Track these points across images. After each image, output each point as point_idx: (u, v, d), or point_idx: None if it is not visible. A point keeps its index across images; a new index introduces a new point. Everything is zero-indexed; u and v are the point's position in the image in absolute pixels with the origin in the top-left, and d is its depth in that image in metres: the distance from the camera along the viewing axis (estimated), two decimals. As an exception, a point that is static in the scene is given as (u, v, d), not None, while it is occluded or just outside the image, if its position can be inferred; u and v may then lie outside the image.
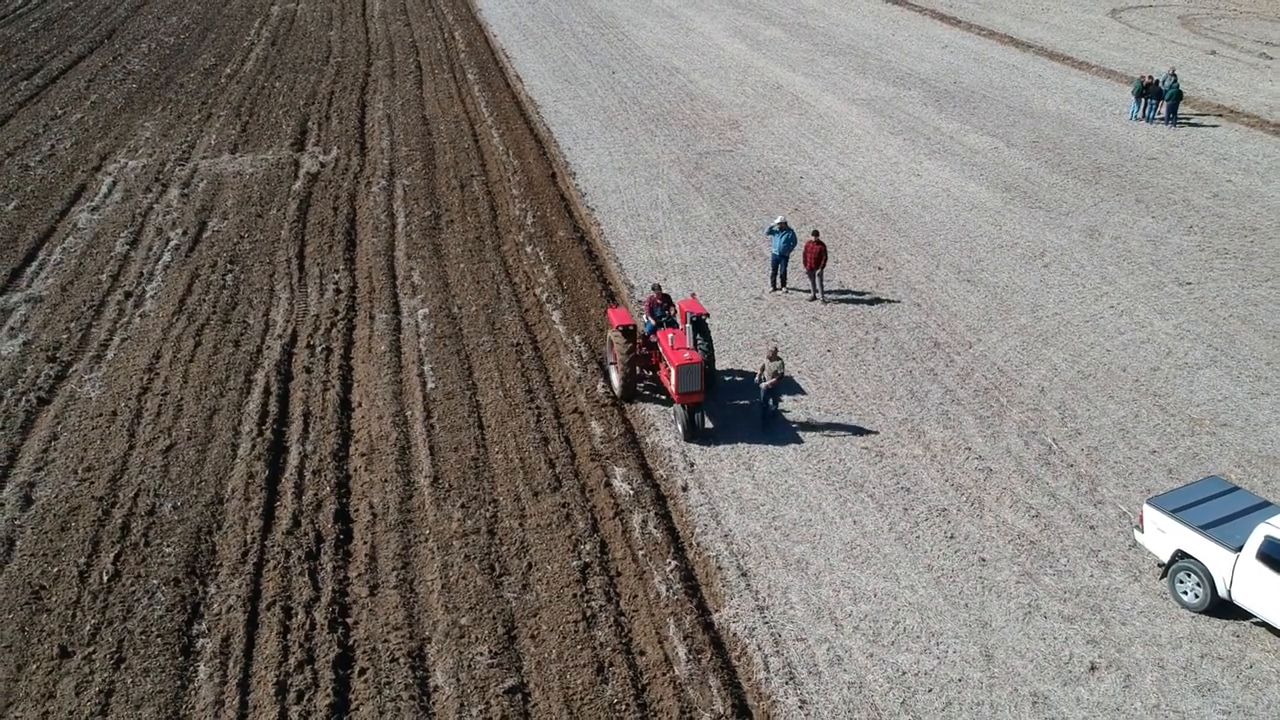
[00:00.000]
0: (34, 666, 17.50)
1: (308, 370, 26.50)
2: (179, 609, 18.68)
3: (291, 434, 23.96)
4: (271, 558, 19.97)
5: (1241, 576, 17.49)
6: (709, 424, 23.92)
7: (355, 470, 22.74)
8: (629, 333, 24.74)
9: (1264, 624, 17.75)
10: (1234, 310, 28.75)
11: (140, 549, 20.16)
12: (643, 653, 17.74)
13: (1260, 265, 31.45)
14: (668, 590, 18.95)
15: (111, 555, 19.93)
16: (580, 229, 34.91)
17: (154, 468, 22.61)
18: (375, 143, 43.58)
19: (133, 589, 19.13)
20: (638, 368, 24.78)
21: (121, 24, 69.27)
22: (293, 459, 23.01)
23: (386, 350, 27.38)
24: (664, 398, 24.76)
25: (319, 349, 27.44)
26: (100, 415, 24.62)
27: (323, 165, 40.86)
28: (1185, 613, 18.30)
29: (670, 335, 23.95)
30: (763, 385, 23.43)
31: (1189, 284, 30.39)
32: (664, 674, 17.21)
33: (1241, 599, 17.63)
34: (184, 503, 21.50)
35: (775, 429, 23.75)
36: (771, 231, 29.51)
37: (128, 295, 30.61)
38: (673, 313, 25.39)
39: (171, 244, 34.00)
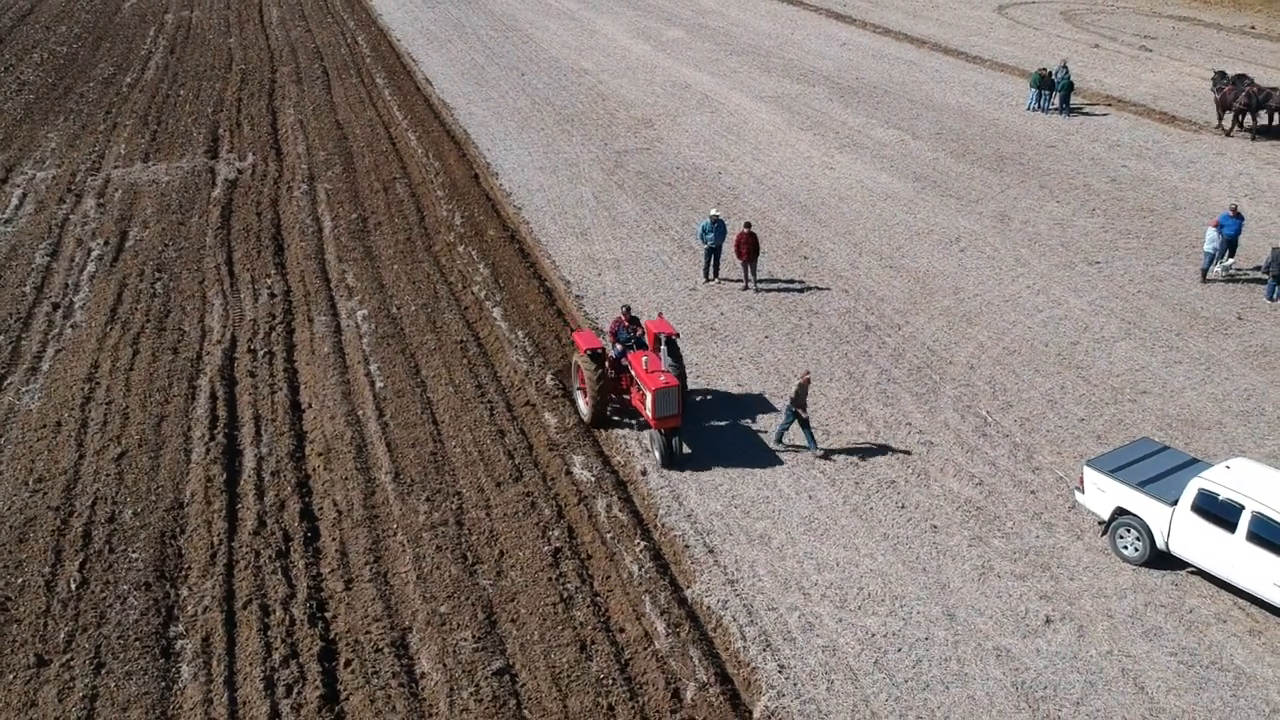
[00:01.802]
0: (10, 676, 17.35)
1: (252, 374, 26.44)
2: (153, 612, 18.66)
3: (244, 437, 23.93)
4: (241, 558, 20.02)
5: (1178, 529, 18.73)
6: (686, 449, 23.01)
7: (314, 470, 22.84)
8: (597, 357, 23.70)
9: (1199, 572, 19.02)
10: (1141, 286, 30.39)
11: (105, 556, 20.03)
12: (622, 630, 18.29)
13: (1161, 244, 33.24)
14: (639, 569, 19.53)
15: (77, 563, 19.78)
16: (509, 228, 35.27)
17: (108, 475, 22.43)
18: (291, 148, 43.28)
19: (103, 595, 19.03)
20: (608, 393, 23.80)
21: (8, 33, 67.28)
22: (249, 461, 23.01)
23: (330, 352, 27.43)
24: (635, 422, 24.05)
25: (261, 353, 27.37)
26: (44, 426, 24.26)
27: (240, 172, 40.47)
28: (1127, 566, 19.49)
29: (644, 358, 23.07)
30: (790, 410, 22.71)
31: (1097, 263, 32.00)
32: (645, 648, 17.78)
33: (1178, 550, 18.88)
34: (144, 509, 21.39)
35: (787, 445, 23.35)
36: (705, 231, 30.24)
37: (55, 306, 30.08)
38: (640, 334, 24.55)
39: (94, 254, 33.44)
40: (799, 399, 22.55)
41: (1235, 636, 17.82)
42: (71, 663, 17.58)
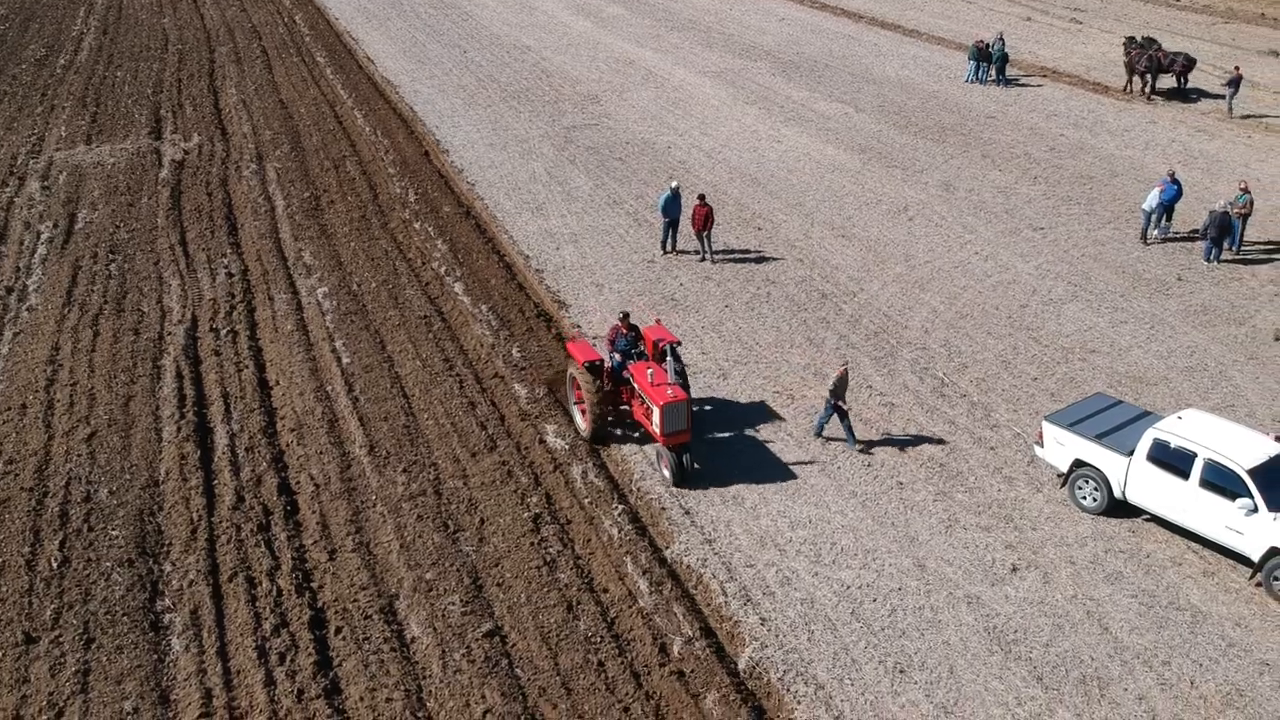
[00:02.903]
0: (0, 654, 17.38)
1: (217, 353, 26.43)
2: (138, 588, 18.77)
3: (214, 415, 23.98)
4: (222, 533, 20.17)
5: (1134, 478, 19.60)
6: (696, 465, 21.65)
7: (288, 445, 22.98)
8: (596, 369, 22.53)
9: (1154, 518, 19.93)
10: (1085, 250, 31.38)
11: (84, 534, 20.07)
12: (606, 590, 18.75)
13: (1101, 209, 34.28)
14: (619, 532, 20.00)
15: (56, 542, 19.80)
16: (464, 204, 35.41)
17: (79, 456, 22.39)
18: (236, 128, 42.90)
19: (86, 573, 19.09)
20: (607, 407, 22.64)
21: (-71, 15, 65.65)
22: (221, 439, 23.08)
23: (293, 329, 27.49)
24: (637, 435, 22.86)
25: (224, 332, 27.36)
26: (9, 409, 24.11)
27: (186, 153, 40.09)
28: (1086, 515, 20.35)
29: (649, 370, 21.69)
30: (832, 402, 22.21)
31: (1041, 229, 32.94)
32: (630, 607, 18.27)
33: (1135, 498, 19.76)
34: (119, 487, 21.42)
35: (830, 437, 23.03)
36: (667, 203, 30.65)
37: (9, 290, 29.74)
38: (640, 342, 23.18)
39: (44, 237, 33.05)
40: (837, 391, 21.98)
41: (1190, 578, 18.73)
42: (60, 639, 17.66)
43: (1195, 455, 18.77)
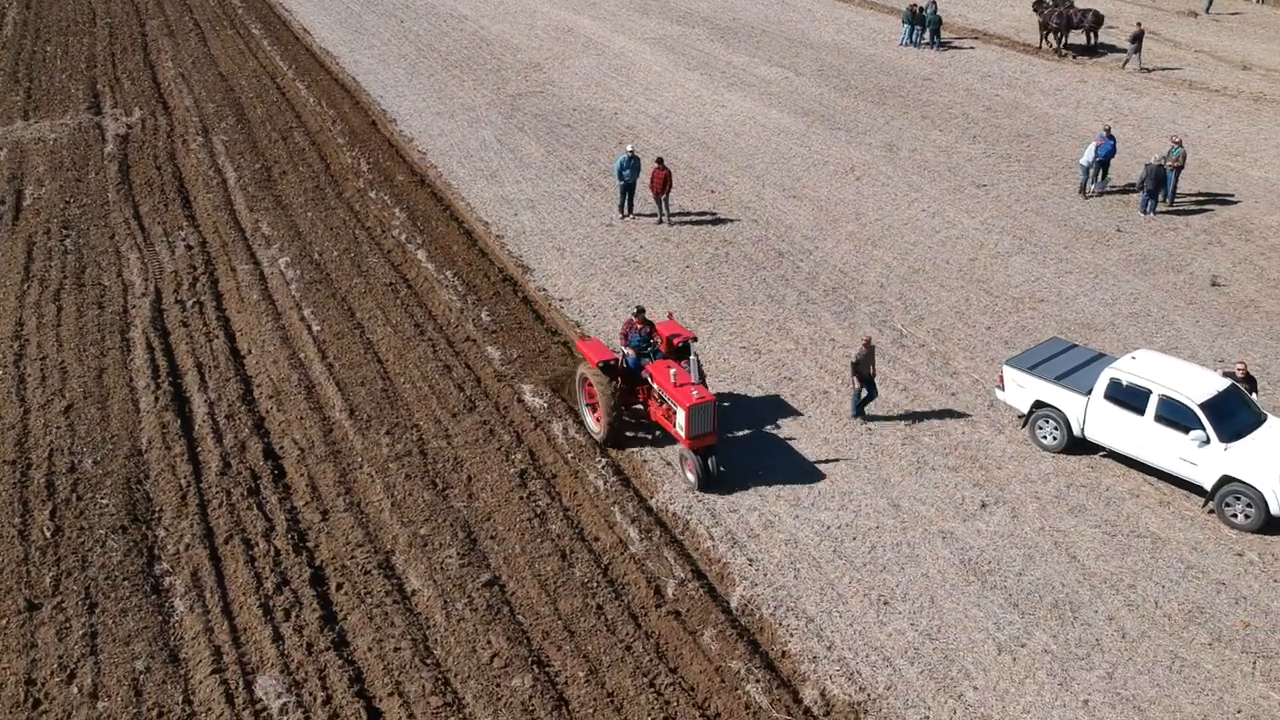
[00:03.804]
0: (4, 622, 17.56)
1: (185, 324, 26.49)
2: (135, 553, 19.00)
3: (189, 385, 24.11)
4: (213, 498, 20.43)
5: (1093, 416, 20.69)
6: (721, 467, 20.73)
7: (268, 412, 23.22)
8: (610, 369, 21.57)
9: (1111, 454, 21.05)
10: (1027, 205, 32.54)
11: (74, 504, 20.20)
12: (597, 539, 19.39)
13: (1040, 165, 35.49)
14: (604, 484, 20.63)
15: (47, 512, 19.92)
16: (418, 173, 35.59)
17: (59, 428, 22.44)
18: (178, 102, 42.45)
19: (81, 540, 19.27)
20: (623, 407, 21.73)
21: None
22: (200, 407, 23.25)
23: (259, 299, 27.61)
24: (653, 436, 22.07)
25: (189, 304, 27.39)
26: (-20, 385, 24.03)
27: (130, 127, 39.63)
28: (1046, 454, 21.41)
29: (672, 370, 20.69)
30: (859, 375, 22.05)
31: (984, 186, 34.05)
32: (622, 553, 18.94)
33: (1093, 435, 20.86)
34: (103, 457, 21.55)
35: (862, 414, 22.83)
36: (623, 166, 31.15)
37: (-37, 267, 29.45)
38: (657, 340, 22.10)
39: (-7, 214, 32.67)
40: (860, 367, 21.83)
41: (1148, 508, 19.88)
42: (63, 605, 17.88)
43: (1150, 392, 19.87)
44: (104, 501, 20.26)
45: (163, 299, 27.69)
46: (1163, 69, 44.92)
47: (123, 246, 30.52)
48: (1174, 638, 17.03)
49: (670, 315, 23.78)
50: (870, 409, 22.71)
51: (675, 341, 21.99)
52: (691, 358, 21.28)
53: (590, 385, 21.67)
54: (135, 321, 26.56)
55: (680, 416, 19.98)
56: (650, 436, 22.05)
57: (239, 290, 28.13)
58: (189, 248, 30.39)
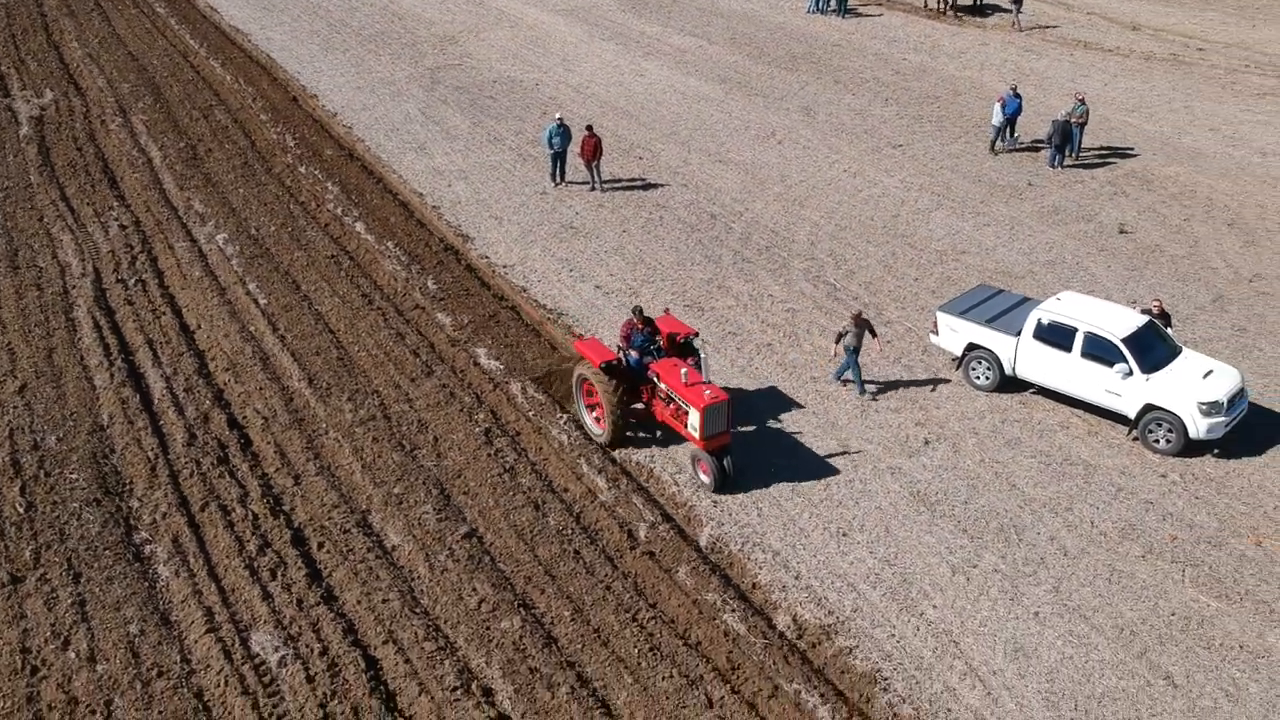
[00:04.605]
0: (-12, 596, 17.79)
1: (130, 302, 26.51)
2: (112, 524, 19.28)
3: (142, 361, 24.23)
4: (183, 468, 20.74)
5: (1023, 355, 22.10)
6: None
7: (226, 384, 23.50)
8: (613, 370, 20.82)
9: (1040, 390, 22.51)
10: (942, 164, 34.01)
11: (43, 480, 20.35)
12: (566, 489, 20.21)
13: (951, 125, 37.02)
14: (568, 439, 21.44)
15: (17, 489, 20.05)
16: (345, 147, 35.75)
17: (16, 408, 22.46)
18: (90, 82, 41.75)
19: (56, 514, 19.47)
20: (626, 408, 21.20)
21: None
22: (156, 382, 23.43)
23: (201, 275, 27.71)
24: (655, 435, 21.66)
25: (131, 282, 27.38)
26: (-74, 369, 23.86)
27: (43, 109, 38.94)
28: (980, 393, 22.79)
29: (683, 370, 20.16)
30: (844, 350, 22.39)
31: (900, 146, 35.44)
32: (593, 502, 19.80)
33: (1024, 373, 22.28)
34: (66, 433, 21.67)
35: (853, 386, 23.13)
36: (552, 135, 31.76)
37: (-111, 253, 28.94)
38: (659, 339, 21.52)
39: (-88, 199, 32.03)
40: (850, 336, 22.13)
41: (1078, 438, 21.37)
42: (47, 576, 18.12)
43: (1076, 330, 21.32)
44: (73, 476, 20.44)
45: (103, 278, 27.62)
46: (1049, 27, 46.85)
47: (54, 228, 30.25)
48: (1110, 552, 18.49)
49: (667, 310, 23.44)
50: (815, 360, 23.86)
51: (677, 339, 21.60)
52: (702, 356, 21.21)
53: (590, 386, 21.31)
54: (78, 302, 26.50)
55: (694, 417, 19.55)
56: (650, 436, 21.67)
57: (180, 267, 28.17)
58: (123, 227, 30.25)
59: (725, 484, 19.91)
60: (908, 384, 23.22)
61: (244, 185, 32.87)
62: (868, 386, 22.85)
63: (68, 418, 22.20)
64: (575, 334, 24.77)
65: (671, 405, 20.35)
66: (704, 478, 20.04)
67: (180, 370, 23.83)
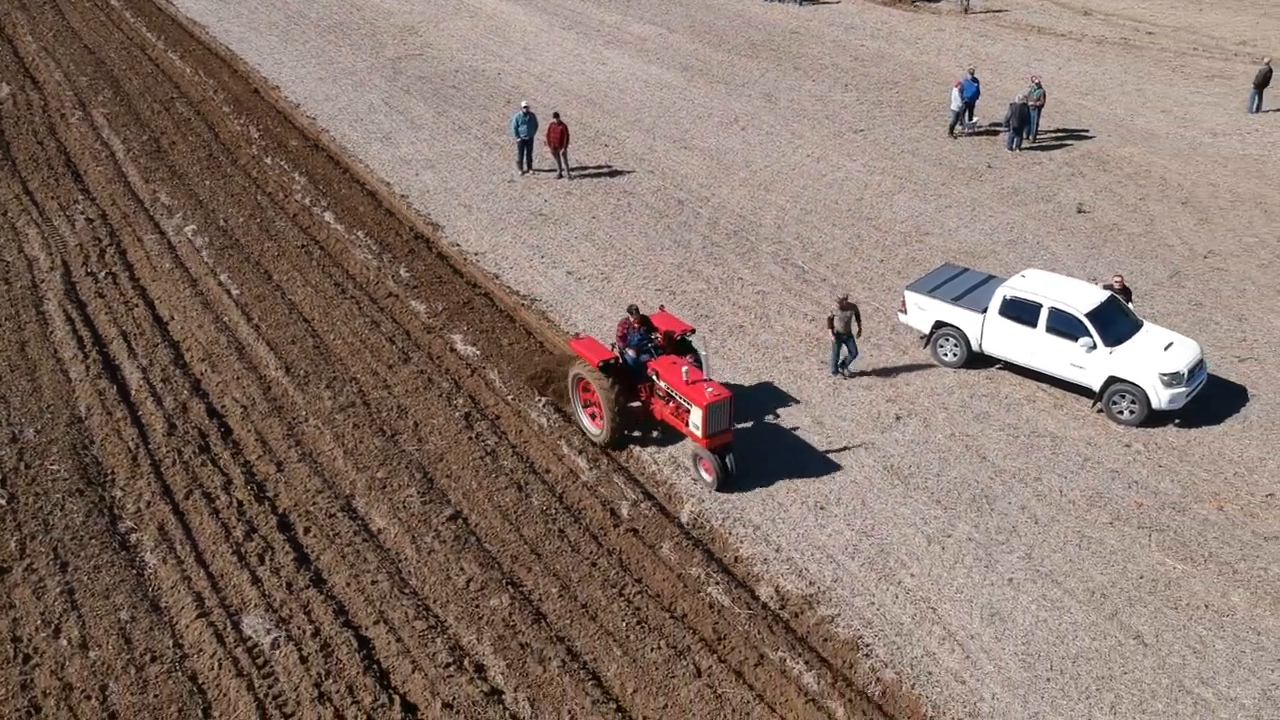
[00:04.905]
0: (-25, 587, 17.83)
1: (101, 295, 26.46)
2: (96, 513, 19.34)
3: (117, 353, 24.23)
4: (164, 457, 20.82)
5: (989, 331, 22.66)
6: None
7: (203, 374, 23.56)
8: (610, 369, 20.54)
9: (1006, 366, 23.09)
10: (903, 147, 34.59)
11: (23, 472, 20.36)
12: (548, 470, 20.52)
13: (910, 110, 37.61)
14: (547, 421, 21.75)
15: (-2, 481, 20.09)
16: (310, 138, 35.75)
17: (-9, 402, 22.44)
18: (46, 76, 41.41)
19: (39, 505, 19.50)
20: (623, 407, 20.78)
21: None
22: (133, 374, 23.45)
23: (172, 267, 27.70)
24: (655, 434, 21.47)
25: (101, 275, 27.32)
26: (-102, 364, 23.73)
27: (1, 102, 38.60)
28: (948, 370, 23.34)
29: (684, 368, 19.92)
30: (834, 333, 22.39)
31: (861, 131, 35.99)
32: (574, 482, 20.12)
33: (990, 348, 22.84)
34: (44, 426, 21.67)
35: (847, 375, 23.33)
36: (519, 123, 31.97)
37: None
38: (656, 337, 21.18)
39: (-128, 195, 31.70)
40: (838, 323, 22.23)
41: (1044, 411, 21.97)
42: (34, 566, 18.18)
43: (1040, 306, 21.90)
44: (54, 468, 20.47)
45: (72, 272, 27.53)
46: (999, 11, 47.64)
47: (18, 222, 30.08)
48: (1079, 520, 19.08)
49: (662, 307, 23.11)
50: (786, 340, 24.28)
51: (674, 336, 21.39)
52: (703, 354, 21.14)
53: (586, 385, 21.08)
54: (48, 295, 26.42)
55: (697, 415, 19.34)
56: (648, 435, 21.48)
57: (149, 260, 28.13)
58: (89, 221, 30.13)
59: (728, 482, 19.82)
60: (877, 362, 23.71)
61: (210, 177, 32.81)
62: (842, 370, 23.23)
63: (45, 410, 22.19)
64: (573, 333, 25.06)
65: (671, 404, 20.20)
66: (706, 476, 19.91)
67: (156, 361, 23.85)
